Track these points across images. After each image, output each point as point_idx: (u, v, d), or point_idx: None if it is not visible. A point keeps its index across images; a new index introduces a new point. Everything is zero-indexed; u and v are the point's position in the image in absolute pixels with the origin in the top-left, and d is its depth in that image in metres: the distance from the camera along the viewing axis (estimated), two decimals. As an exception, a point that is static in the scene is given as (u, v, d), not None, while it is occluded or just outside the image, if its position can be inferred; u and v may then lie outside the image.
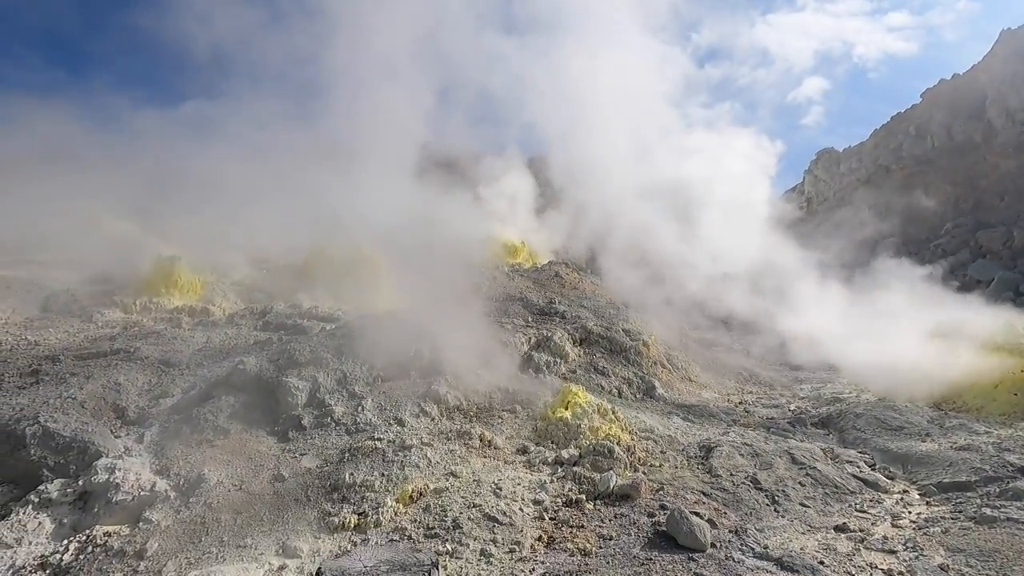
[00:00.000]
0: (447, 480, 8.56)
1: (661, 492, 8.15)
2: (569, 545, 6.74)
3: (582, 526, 7.28)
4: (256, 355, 11.99)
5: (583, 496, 8.10)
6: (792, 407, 15.60)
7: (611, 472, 8.45)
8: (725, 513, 7.65)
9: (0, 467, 8.97)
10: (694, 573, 5.97)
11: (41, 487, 8.50)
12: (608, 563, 6.25)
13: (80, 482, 8.60)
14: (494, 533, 7.17)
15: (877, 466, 10.40)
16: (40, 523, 7.98)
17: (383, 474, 8.63)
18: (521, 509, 7.78)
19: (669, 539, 6.73)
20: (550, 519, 7.58)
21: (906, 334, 18.66)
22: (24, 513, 8.10)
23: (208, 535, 7.60)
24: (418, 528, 7.45)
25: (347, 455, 9.20)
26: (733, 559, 6.25)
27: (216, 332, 15.18)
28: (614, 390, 14.02)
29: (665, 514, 7.41)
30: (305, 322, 16.42)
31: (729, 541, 6.78)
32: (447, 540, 7.08)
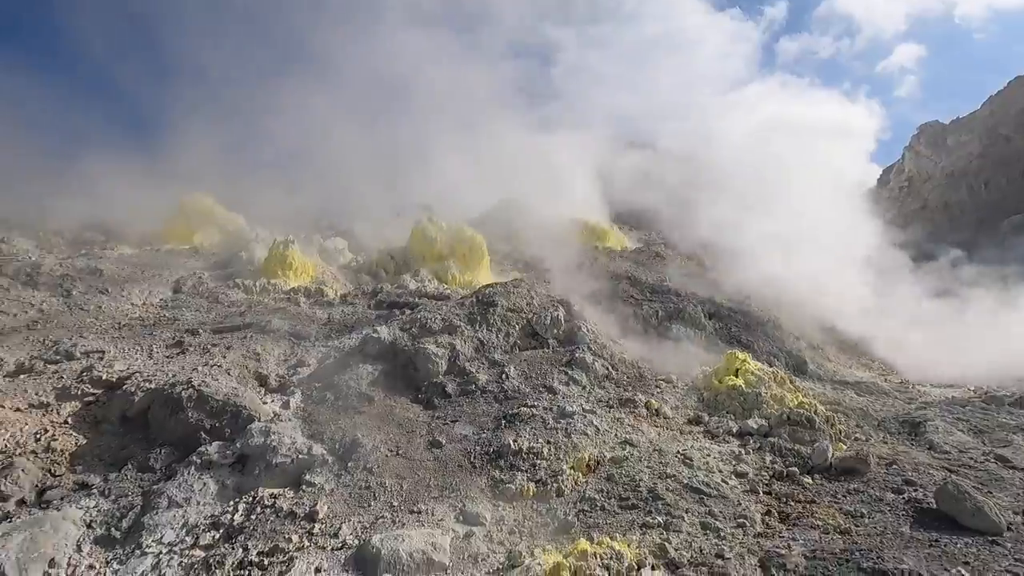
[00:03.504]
0: (623, 449, 7.59)
1: (895, 467, 6.77)
2: (814, 521, 5.57)
3: (813, 501, 6.07)
4: (387, 325, 11.57)
5: (794, 469, 6.87)
6: (972, 388, 13.49)
7: (824, 444, 7.15)
8: (990, 492, 6.19)
9: (161, 429, 8.90)
10: (1016, 559, 4.64)
11: (201, 449, 8.30)
12: (881, 543, 5.03)
13: (238, 444, 8.34)
14: (706, 505, 6.11)
15: None
16: (205, 484, 7.74)
17: (548, 441, 7.79)
18: (724, 481, 6.67)
19: (943, 518, 5.41)
20: (765, 493, 6.43)
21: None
22: (189, 474, 7.89)
23: (376, 500, 7.04)
24: (608, 498, 6.52)
25: (503, 422, 8.44)
26: (1052, 544, 4.86)
27: (334, 310, 15.07)
28: (763, 363, 12.55)
29: (914, 490, 6.07)
30: (416, 300, 16.03)
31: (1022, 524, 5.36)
32: (650, 512, 6.09)
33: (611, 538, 5.47)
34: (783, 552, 4.95)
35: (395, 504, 6.90)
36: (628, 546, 5.28)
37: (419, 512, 6.63)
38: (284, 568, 5.82)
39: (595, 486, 6.82)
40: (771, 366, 12.51)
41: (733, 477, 6.81)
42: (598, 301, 14.77)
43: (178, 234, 22.51)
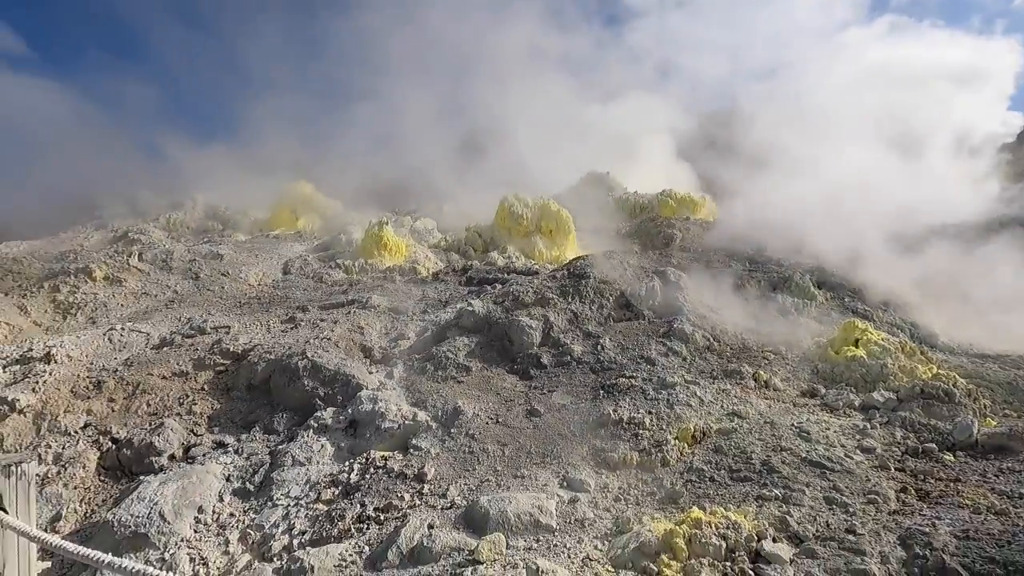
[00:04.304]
0: (731, 421, 7.25)
1: (1059, 445, 5.94)
2: (961, 500, 5.02)
3: (957, 479, 5.47)
4: (480, 299, 11.78)
5: (932, 445, 6.23)
6: None
7: (968, 419, 6.41)
8: None
9: (281, 396, 9.69)
10: None
11: (317, 414, 8.94)
12: (1049, 525, 4.44)
13: (349, 411, 8.90)
14: (829, 480, 5.69)
15: None
16: (323, 445, 8.34)
17: (650, 411, 7.60)
18: (848, 456, 6.18)
19: None
20: (897, 469, 5.88)
21: None
22: (308, 436, 8.54)
23: (479, 464, 7.24)
24: (717, 470, 6.26)
25: (601, 392, 8.35)
26: None
27: (427, 287, 15.57)
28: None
29: (1088, 471, 5.29)
30: (505, 276, 16.17)
31: None
32: (765, 484, 5.78)
33: (725, 509, 5.25)
34: (927, 530, 4.49)
35: (498, 469, 7.06)
36: (744, 517, 5.04)
37: (522, 477, 6.73)
38: (399, 523, 6.15)
39: (702, 457, 6.57)
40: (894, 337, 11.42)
41: (858, 452, 6.29)
42: (693, 272, 14.15)
43: (283, 220, 24.25)
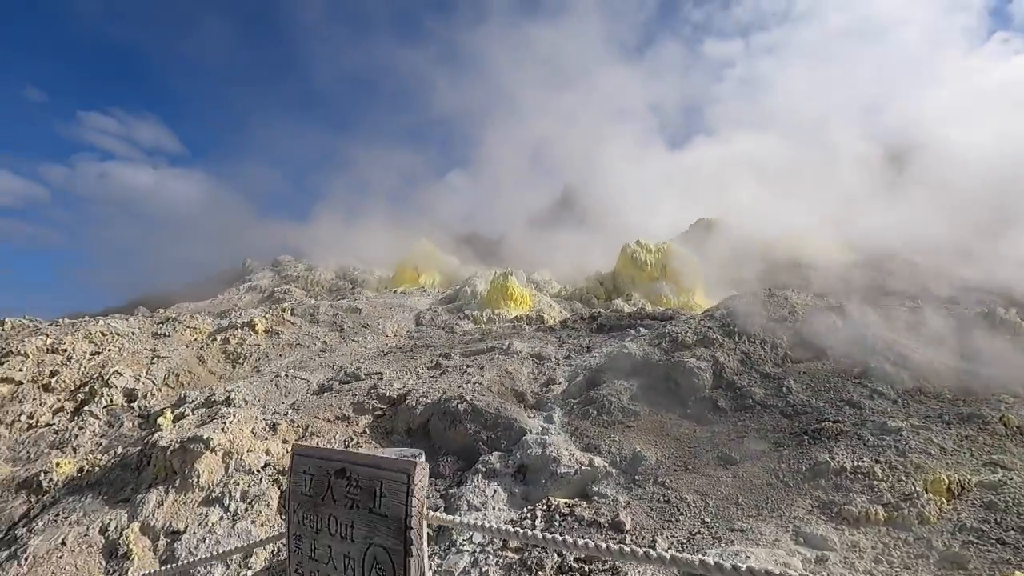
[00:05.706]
0: (992, 472, 6.03)
1: None
2: None
3: None
4: (634, 341, 11.25)
5: None
6: None
7: None
8: None
9: (443, 440, 9.57)
10: None
11: (485, 458, 8.68)
12: None
13: (517, 455, 8.55)
14: None
15: None
16: (495, 491, 7.99)
17: (877, 460, 6.53)
18: None
19: None
20: None
21: None
22: (478, 480, 8.25)
23: (682, 515, 6.50)
24: (1004, 530, 5.11)
25: (805, 438, 7.38)
26: None
27: (561, 334, 15.29)
28: None
29: None
30: (637, 322, 15.55)
31: None
32: (1087, 550, 4.59)
33: (1051, 577, 4.17)
34: None
35: (706, 520, 6.29)
36: (1090, 589, 3.95)
37: (742, 531, 5.91)
38: (611, 577, 5.55)
39: (972, 514, 5.44)
40: None
41: None
42: (872, 309, 12.75)
43: (407, 277, 25.47)
